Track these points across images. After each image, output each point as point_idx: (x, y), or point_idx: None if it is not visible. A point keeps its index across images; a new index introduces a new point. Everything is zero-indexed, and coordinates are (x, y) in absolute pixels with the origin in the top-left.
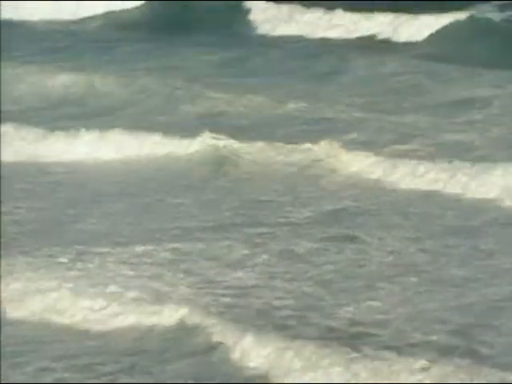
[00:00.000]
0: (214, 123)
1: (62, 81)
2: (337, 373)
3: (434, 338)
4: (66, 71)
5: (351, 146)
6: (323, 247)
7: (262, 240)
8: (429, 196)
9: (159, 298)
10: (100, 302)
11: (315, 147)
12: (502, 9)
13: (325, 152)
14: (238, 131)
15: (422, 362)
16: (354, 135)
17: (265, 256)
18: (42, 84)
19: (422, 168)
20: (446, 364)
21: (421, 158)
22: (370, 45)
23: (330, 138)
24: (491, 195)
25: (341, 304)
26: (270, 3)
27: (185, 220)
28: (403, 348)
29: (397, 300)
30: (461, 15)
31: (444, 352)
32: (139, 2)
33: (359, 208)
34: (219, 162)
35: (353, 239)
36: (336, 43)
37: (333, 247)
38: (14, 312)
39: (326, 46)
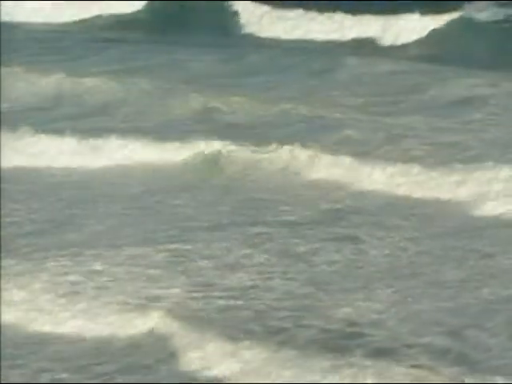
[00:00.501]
0: (207, 124)
1: (56, 81)
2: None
3: (428, 340)
4: (61, 72)
5: (337, 147)
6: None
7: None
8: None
9: (146, 304)
10: (79, 307)
11: (292, 150)
12: (492, 8)
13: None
14: (231, 132)
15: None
16: (344, 135)
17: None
18: (37, 85)
19: (415, 169)
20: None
21: (414, 159)
22: (361, 46)
23: (318, 139)
24: (486, 196)
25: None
26: (258, 4)
27: (178, 221)
28: (396, 351)
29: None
30: (452, 16)
31: (437, 355)
32: (139, 3)
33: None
34: (210, 164)
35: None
36: (326, 45)
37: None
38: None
39: (316, 47)
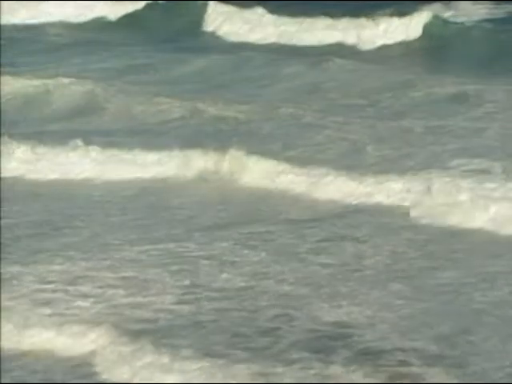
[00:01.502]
0: (197, 126)
1: (45, 83)
2: None
3: (419, 345)
4: (51, 73)
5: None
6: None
7: None
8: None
9: (125, 311)
10: (48, 319)
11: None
12: (473, 9)
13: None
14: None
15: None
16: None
17: None
18: (26, 85)
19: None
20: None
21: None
22: (336, 50)
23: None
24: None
25: None
26: (232, 7)
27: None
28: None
29: None
30: (426, 17)
31: (430, 359)
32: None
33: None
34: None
35: None
36: (302, 50)
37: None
38: None
39: (293, 52)
